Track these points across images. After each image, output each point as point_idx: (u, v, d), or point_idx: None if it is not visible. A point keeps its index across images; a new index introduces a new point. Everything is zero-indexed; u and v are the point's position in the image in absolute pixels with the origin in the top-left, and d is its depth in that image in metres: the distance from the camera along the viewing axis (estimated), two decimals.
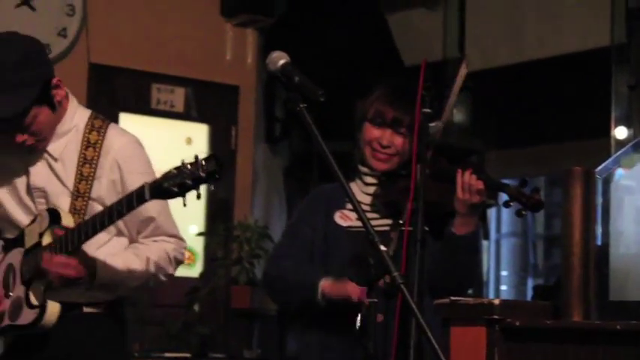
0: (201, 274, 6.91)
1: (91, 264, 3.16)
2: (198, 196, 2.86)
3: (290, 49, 2.87)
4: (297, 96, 2.70)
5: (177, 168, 2.87)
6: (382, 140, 3.32)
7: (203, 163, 2.84)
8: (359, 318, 3.06)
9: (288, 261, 3.36)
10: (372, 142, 3.33)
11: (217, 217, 7.06)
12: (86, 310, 3.27)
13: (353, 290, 3.11)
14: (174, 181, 2.86)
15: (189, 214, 6.82)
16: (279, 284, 3.39)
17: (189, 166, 2.85)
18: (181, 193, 2.87)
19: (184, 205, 2.89)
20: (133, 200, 2.98)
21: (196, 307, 6.70)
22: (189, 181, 2.84)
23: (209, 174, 2.83)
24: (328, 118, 3.62)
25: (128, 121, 6.62)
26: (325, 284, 3.22)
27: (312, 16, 7.12)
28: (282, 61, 2.78)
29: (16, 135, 3.16)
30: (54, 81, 3.20)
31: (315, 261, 3.36)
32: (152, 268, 3.28)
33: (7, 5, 6.39)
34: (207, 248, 7.02)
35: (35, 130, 3.18)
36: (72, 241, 3.10)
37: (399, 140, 3.32)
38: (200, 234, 6.98)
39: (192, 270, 6.94)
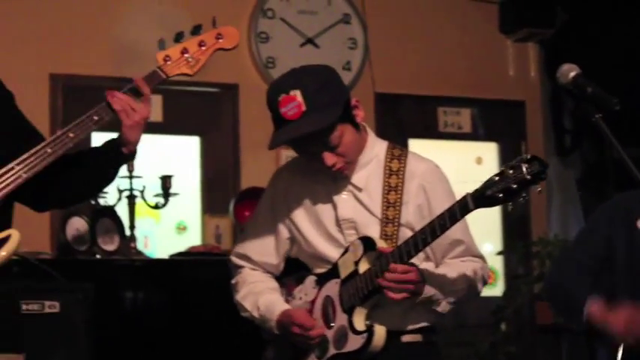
0: (505, 293, 6.86)
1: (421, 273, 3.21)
2: (523, 200, 2.85)
3: (573, 57, 2.83)
4: (590, 106, 2.65)
5: (498, 174, 2.88)
6: None
7: (526, 165, 2.82)
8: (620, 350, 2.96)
9: (572, 266, 3.31)
10: None
11: (514, 234, 7.00)
12: (405, 339, 3.32)
13: (615, 323, 3.01)
14: (498, 187, 2.87)
15: (485, 233, 6.82)
16: (557, 296, 3.34)
17: (511, 171, 2.84)
18: (507, 199, 2.87)
19: (510, 209, 2.91)
20: (456, 212, 3.02)
21: (503, 326, 6.65)
22: (514, 185, 2.83)
23: (535, 175, 2.82)
24: (622, 124, 3.52)
25: (417, 146, 6.68)
26: (593, 307, 3.13)
27: (596, 21, 6.94)
28: (573, 73, 2.75)
29: (325, 158, 3.25)
30: (353, 102, 3.30)
31: (616, 272, 3.28)
32: (467, 285, 3.30)
33: (293, 45, 6.62)
34: (507, 266, 6.97)
35: (343, 151, 3.25)
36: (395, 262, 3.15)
37: None
38: (500, 253, 6.94)
39: (495, 289, 6.91)
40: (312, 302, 3.38)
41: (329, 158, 3.25)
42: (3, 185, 3.01)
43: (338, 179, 3.36)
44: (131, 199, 5.69)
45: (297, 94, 3.18)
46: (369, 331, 3.22)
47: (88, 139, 3.22)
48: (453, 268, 3.30)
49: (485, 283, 3.38)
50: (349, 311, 3.27)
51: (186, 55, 3.28)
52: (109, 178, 3.27)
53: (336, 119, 3.21)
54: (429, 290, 3.23)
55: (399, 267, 3.12)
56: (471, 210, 2.99)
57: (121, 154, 3.18)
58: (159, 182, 5.80)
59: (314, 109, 3.17)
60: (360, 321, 3.25)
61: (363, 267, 3.24)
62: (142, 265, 5.34)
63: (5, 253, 2.99)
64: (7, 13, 5.92)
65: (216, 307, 5.11)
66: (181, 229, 6.44)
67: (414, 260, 3.20)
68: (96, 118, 3.11)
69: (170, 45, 3.29)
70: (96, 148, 3.20)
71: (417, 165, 3.36)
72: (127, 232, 5.59)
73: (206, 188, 6.52)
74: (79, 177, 3.19)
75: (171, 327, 5.18)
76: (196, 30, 3.32)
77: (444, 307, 3.31)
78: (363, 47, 6.81)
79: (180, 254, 5.67)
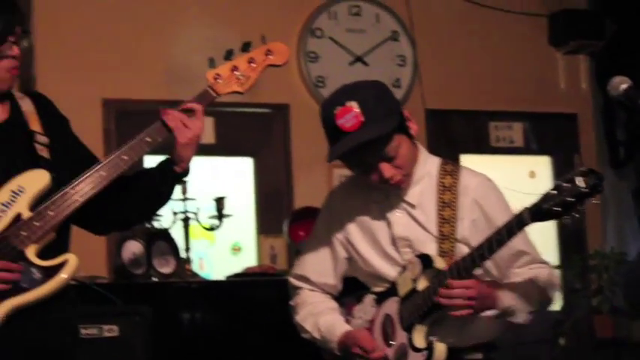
0: (563, 307, 6.80)
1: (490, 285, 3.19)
2: (577, 213, 2.84)
3: (623, 68, 2.82)
4: None
5: (554, 188, 2.88)
6: None
7: (583, 178, 2.82)
8: None
9: None
10: None
11: (570, 247, 6.95)
12: (464, 356, 3.30)
13: None
14: (555, 201, 2.86)
15: (541, 247, 6.75)
16: None
17: (567, 184, 2.84)
18: (564, 212, 2.87)
19: (566, 223, 2.90)
20: (513, 227, 3.01)
21: (562, 341, 6.59)
22: (571, 199, 2.83)
23: (592, 188, 2.81)
24: None
25: (469, 161, 6.63)
26: None
27: None
28: (624, 86, 2.75)
29: (383, 169, 3.24)
30: (405, 114, 3.30)
31: None
32: (540, 291, 3.27)
33: (342, 63, 6.63)
34: (565, 280, 6.91)
35: (400, 163, 3.25)
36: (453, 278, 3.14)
37: None
38: (557, 267, 6.88)
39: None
40: (372, 321, 3.38)
41: (387, 170, 3.24)
42: (59, 210, 3.04)
43: (391, 197, 3.36)
44: (186, 221, 5.72)
45: (354, 106, 3.19)
46: (429, 348, 3.21)
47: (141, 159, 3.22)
48: (523, 277, 3.27)
49: (556, 289, 3.36)
50: (409, 329, 3.26)
51: (236, 73, 3.28)
52: (165, 198, 3.29)
53: (393, 129, 3.21)
54: (506, 302, 3.20)
55: (457, 283, 3.11)
56: (528, 224, 2.98)
57: (174, 173, 3.20)
58: (213, 204, 5.83)
59: (372, 119, 3.18)
60: (420, 338, 3.24)
61: (422, 285, 3.24)
62: (198, 287, 5.36)
63: (64, 277, 3.02)
64: (60, 40, 5.99)
65: (272, 328, 5.13)
66: (236, 250, 6.46)
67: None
68: (149, 139, 3.13)
69: (220, 63, 3.30)
70: (150, 169, 3.22)
71: (469, 180, 3.35)
72: (183, 255, 5.62)
73: (260, 209, 6.54)
74: (136, 198, 3.21)
75: (229, 348, 5.19)
76: (246, 47, 3.32)
77: (523, 317, 3.28)
78: (412, 64, 6.81)
79: (235, 275, 5.69)
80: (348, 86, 3.31)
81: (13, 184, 3.04)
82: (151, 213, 3.35)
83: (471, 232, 3.28)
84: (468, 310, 3.14)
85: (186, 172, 3.21)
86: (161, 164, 3.19)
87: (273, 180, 6.54)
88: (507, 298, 3.21)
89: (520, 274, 3.28)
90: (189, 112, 3.16)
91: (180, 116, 3.14)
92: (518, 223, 2.99)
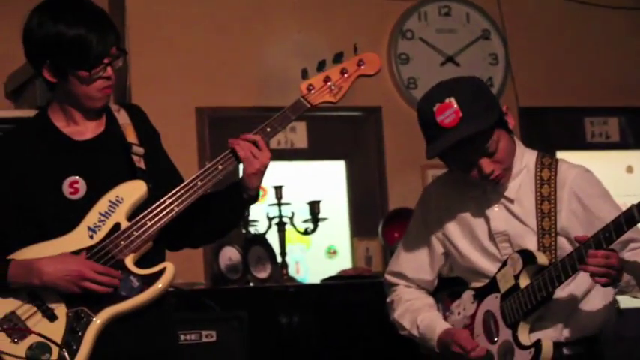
0: None
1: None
2: None
3: None
4: None
5: None
6: None
7: None
8: None
9: None
10: None
11: None
12: (566, 351, 3.27)
13: None
14: None
15: None
16: None
17: None
18: None
19: None
20: (622, 224, 2.98)
21: None
22: None
23: None
24: None
25: (564, 158, 6.56)
26: None
27: None
28: None
29: (483, 165, 3.23)
30: (503, 108, 3.29)
31: None
32: None
33: (434, 64, 6.63)
34: None
35: (500, 157, 3.24)
36: (556, 277, 3.12)
37: None
38: None
39: None
40: (472, 317, 3.37)
41: (487, 165, 3.23)
42: (156, 220, 3.09)
43: (488, 192, 3.35)
44: (281, 226, 5.76)
45: (452, 101, 3.18)
46: (537, 345, 3.19)
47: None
48: (635, 258, 3.20)
49: None
50: (513, 326, 3.24)
51: (329, 83, 3.30)
52: (234, 223, 3.33)
53: (492, 123, 3.20)
54: (624, 276, 3.14)
55: (600, 252, 3.04)
56: (638, 222, 2.94)
57: (242, 200, 3.22)
58: (307, 208, 5.86)
59: (470, 115, 3.17)
60: (525, 335, 3.22)
61: (524, 281, 3.21)
62: (294, 291, 5.39)
63: (162, 285, 3.06)
64: (153, 51, 6.08)
65: (369, 330, 5.14)
66: (331, 253, 6.49)
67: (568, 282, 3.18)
68: (221, 167, 3.17)
69: (313, 74, 3.32)
70: (220, 193, 3.24)
71: (567, 172, 3.31)
72: (279, 259, 5.65)
73: (354, 211, 6.55)
74: (206, 220, 3.25)
75: (326, 351, 5.21)
76: (338, 58, 3.34)
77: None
78: (505, 62, 6.76)
79: (331, 278, 5.71)
80: (445, 83, 3.30)
81: (112, 194, 3.09)
82: (220, 236, 3.39)
83: (570, 223, 3.25)
84: (606, 279, 3.06)
85: (253, 199, 3.23)
86: (230, 191, 3.22)
87: (366, 182, 6.54)
88: (626, 274, 3.15)
89: (631, 255, 3.21)
90: (256, 143, 3.17)
91: (250, 147, 3.16)
92: (627, 220, 2.96)
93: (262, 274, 5.52)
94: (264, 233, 5.71)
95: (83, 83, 3.08)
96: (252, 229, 5.69)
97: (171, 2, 6.21)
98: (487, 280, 3.35)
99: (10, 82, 5.96)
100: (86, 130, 3.18)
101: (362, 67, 3.35)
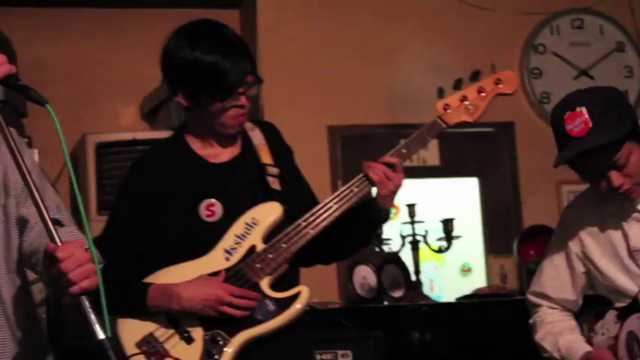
0: None
1: None
2: None
3: None
4: None
5: None
6: None
7: None
8: None
9: None
10: None
11: None
12: None
13: None
14: None
15: None
16: None
17: None
18: None
19: None
20: None
21: None
22: None
23: None
24: None
25: None
26: None
27: None
28: None
29: (612, 177, 3.17)
30: (639, 121, 3.22)
31: None
32: None
33: (567, 78, 6.53)
34: None
35: (630, 171, 3.18)
36: None
37: None
38: None
39: None
40: (615, 338, 3.29)
41: (616, 178, 3.18)
42: (292, 242, 3.10)
43: (626, 208, 3.29)
44: (415, 244, 5.73)
45: (583, 111, 3.13)
46: None
47: None
48: None
49: None
50: None
51: (465, 103, 3.28)
52: (365, 242, 3.34)
53: (623, 137, 3.14)
54: None
55: None
56: None
57: (374, 219, 3.22)
58: (440, 226, 5.82)
59: (600, 125, 3.12)
60: None
61: None
62: (429, 310, 5.36)
63: (299, 306, 3.08)
64: (285, 71, 6.13)
65: (506, 349, 5.07)
66: (466, 271, 6.43)
67: None
68: (356, 189, 3.17)
69: (449, 93, 3.29)
70: (352, 212, 3.22)
71: None
72: (413, 278, 5.63)
73: (488, 229, 6.49)
74: (340, 239, 3.25)
75: None
76: (475, 76, 3.31)
77: None
78: None
79: (466, 297, 5.66)
80: (580, 91, 3.28)
81: (248, 216, 3.12)
82: (352, 254, 3.41)
83: None
84: None
85: (385, 218, 3.22)
86: (362, 210, 3.21)
87: (500, 199, 6.47)
88: None
89: None
90: (391, 165, 3.16)
91: (383, 169, 3.15)
92: None
93: (397, 293, 5.50)
94: (398, 252, 5.69)
95: (216, 112, 3.12)
96: (385, 248, 5.68)
97: (303, 21, 6.26)
98: (629, 300, 3.27)
99: (146, 103, 6.08)
100: (222, 152, 3.22)
101: (499, 85, 3.32)
